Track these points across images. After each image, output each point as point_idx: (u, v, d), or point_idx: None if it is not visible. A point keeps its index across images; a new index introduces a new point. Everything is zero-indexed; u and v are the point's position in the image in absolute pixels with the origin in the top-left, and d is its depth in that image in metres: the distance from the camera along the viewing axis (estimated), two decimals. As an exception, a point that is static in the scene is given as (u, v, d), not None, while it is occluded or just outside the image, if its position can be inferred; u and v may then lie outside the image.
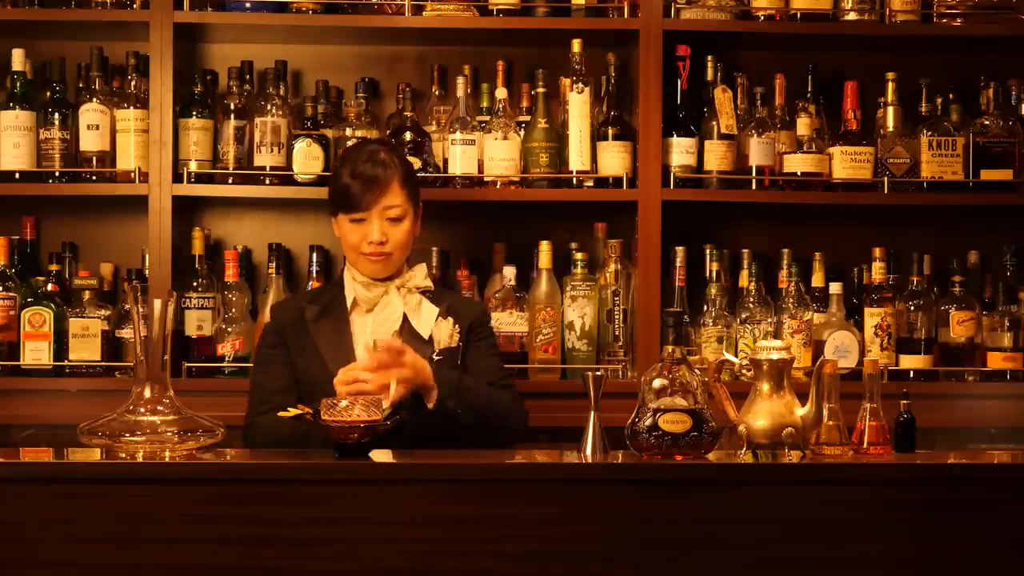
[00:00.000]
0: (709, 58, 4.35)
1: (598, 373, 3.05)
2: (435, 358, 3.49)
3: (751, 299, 4.27)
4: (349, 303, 3.58)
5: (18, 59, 4.22)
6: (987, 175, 4.32)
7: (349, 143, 4.21)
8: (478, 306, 3.84)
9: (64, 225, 4.40)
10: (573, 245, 4.35)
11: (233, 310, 4.21)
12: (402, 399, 3.27)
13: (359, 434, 2.96)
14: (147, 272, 4.23)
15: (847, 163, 4.31)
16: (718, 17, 4.29)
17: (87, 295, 4.19)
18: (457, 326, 3.57)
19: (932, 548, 2.92)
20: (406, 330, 3.54)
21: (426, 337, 3.54)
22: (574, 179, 4.25)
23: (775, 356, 3.05)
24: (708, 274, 4.32)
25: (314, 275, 4.28)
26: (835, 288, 4.31)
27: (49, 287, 4.23)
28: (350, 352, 3.49)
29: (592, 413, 3.02)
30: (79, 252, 4.37)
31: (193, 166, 4.20)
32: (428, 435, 3.31)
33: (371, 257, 3.54)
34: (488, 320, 3.73)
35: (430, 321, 3.57)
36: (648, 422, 2.97)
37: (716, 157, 4.28)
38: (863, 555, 2.90)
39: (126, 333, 4.19)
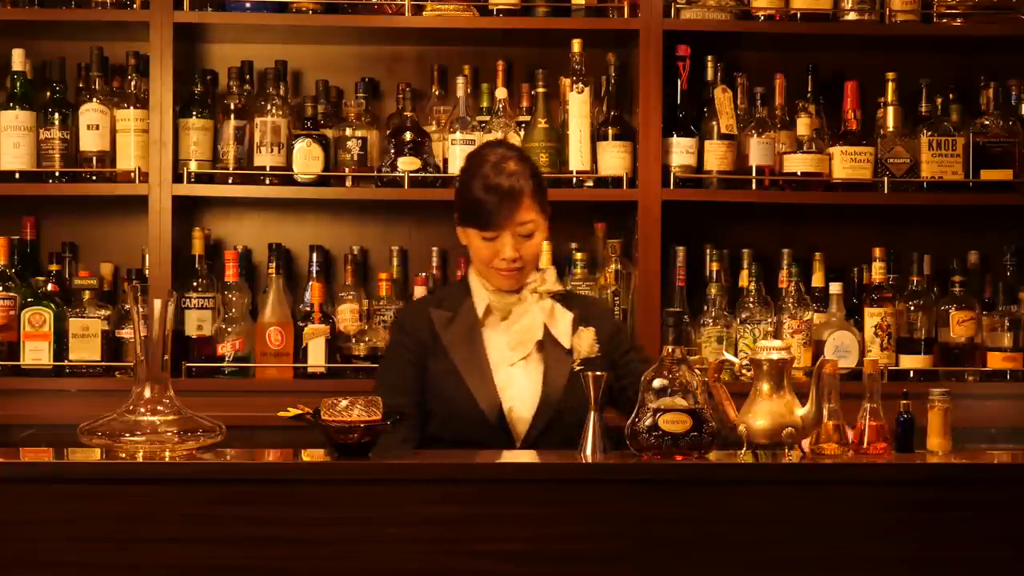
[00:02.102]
0: (709, 58, 4.35)
1: (598, 373, 3.05)
2: (576, 368, 3.38)
3: (751, 299, 4.27)
4: (480, 311, 3.44)
5: (18, 59, 4.22)
6: (987, 175, 4.32)
7: (349, 143, 4.23)
8: (610, 313, 3.74)
9: (64, 225, 4.40)
10: (573, 245, 4.35)
11: (233, 310, 4.21)
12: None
13: (359, 434, 2.96)
14: (147, 272, 4.23)
15: (847, 163, 4.31)
16: (718, 17, 4.29)
17: (87, 295, 4.19)
18: (596, 334, 3.44)
19: (932, 548, 2.92)
20: (546, 339, 3.43)
21: (567, 347, 3.43)
22: (574, 179, 4.25)
23: (775, 356, 3.04)
24: (708, 274, 4.32)
25: (314, 275, 4.28)
26: (835, 288, 4.31)
27: (49, 287, 4.23)
28: (485, 364, 3.40)
29: (592, 413, 3.02)
30: (79, 252, 4.37)
31: (193, 166, 4.20)
32: None
33: (504, 273, 3.40)
34: (626, 329, 3.64)
35: (567, 328, 3.44)
36: (648, 422, 2.96)
37: (716, 157, 4.28)
38: (863, 555, 2.90)
39: (126, 333, 4.19)
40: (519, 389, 3.39)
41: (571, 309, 3.47)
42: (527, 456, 3.26)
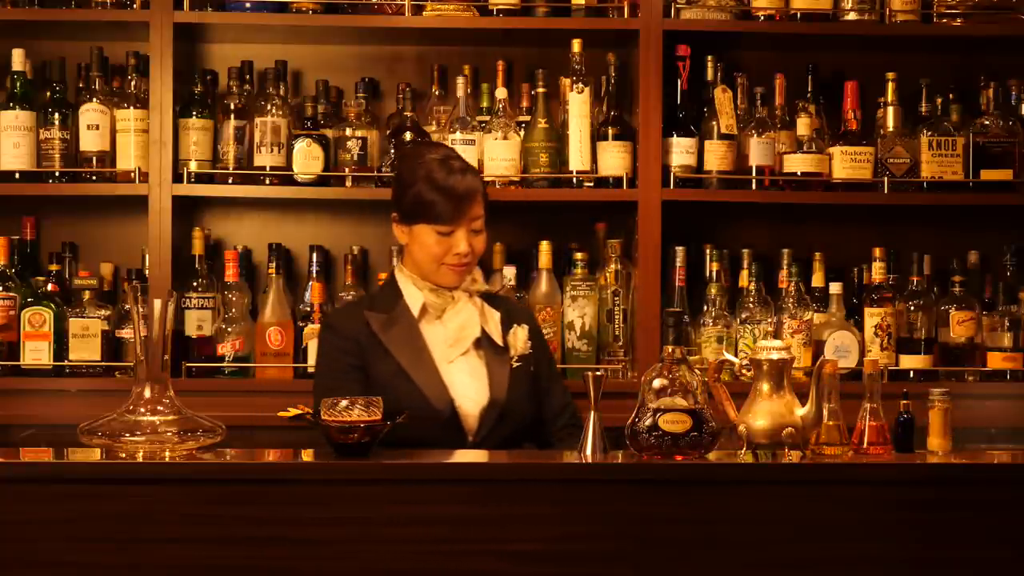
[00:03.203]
0: (709, 58, 4.35)
1: (598, 373, 3.05)
2: (514, 365, 3.50)
3: (751, 299, 4.27)
4: (416, 310, 3.50)
5: (18, 59, 4.22)
6: (987, 175, 4.32)
7: (349, 143, 4.23)
8: (528, 311, 3.85)
9: (64, 225, 4.40)
10: (573, 245, 4.35)
11: (233, 310, 4.21)
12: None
13: (359, 434, 2.96)
14: (147, 272, 4.23)
15: (847, 163, 4.31)
16: (718, 17, 4.29)
17: (87, 295, 4.19)
18: (529, 332, 3.57)
19: (932, 548, 2.92)
20: (482, 336, 3.51)
21: (500, 344, 3.52)
22: (574, 179, 4.25)
23: (775, 356, 3.04)
24: (708, 274, 4.32)
25: (314, 275, 4.28)
26: (835, 288, 4.31)
27: (49, 287, 4.23)
28: (431, 363, 3.45)
29: (592, 413, 3.02)
30: (79, 252, 4.37)
31: (193, 166, 4.20)
32: None
33: (455, 268, 3.48)
34: (540, 329, 3.73)
35: (498, 326, 3.53)
36: (648, 422, 2.97)
37: (716, 157, 4.28)
38: (863, 555, 2.90)
39: (126, 333, 4.19)
40: (463, 386, 3.46)
41: (496, 308, 3.56)
42: (527, 456, 3.26)
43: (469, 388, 3.46)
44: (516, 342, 3.53)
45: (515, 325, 3.55)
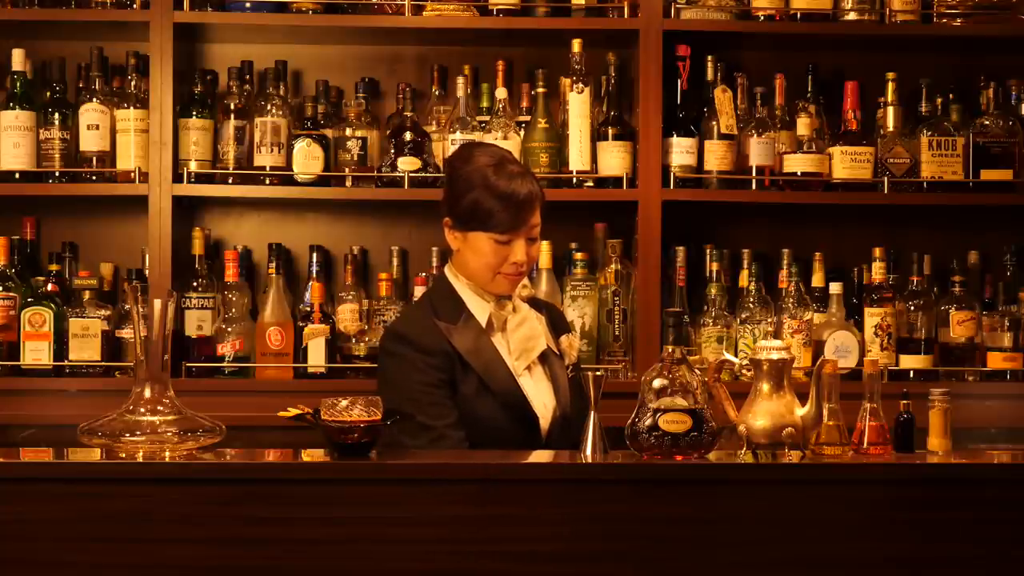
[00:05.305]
0: (709, 58, 4.36)
1: (598, 373, 3.05)
2: (570, 375, 3.40)
3: (751, 299, 4.27)
4: (484, 321, 3.33)
5: (18, 59, 4.23)
6: (987, 175, 4.32)
7: (349, 143, 4.23)
8: (564, 315, 3.74)
9: (64, 225, 4.40)
10: (573, 245, 4.35)
11: (233, 310, 4.21)
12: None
13: (359, 434, 2.96)
14: (147, 272, 4.23)
15: (847, 163, 4.31)
16: (718, 17, 4.29)
17: (87, 295, 4.19)
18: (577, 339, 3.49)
19: (932, 548, 2.92)
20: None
21: (556, 351, 3.42)
22: (574, 179, 4.25)
23: (775, 356, 3.04)
24: (708, 274, 4.32)
25: (314, 275, 4.28)
26: (835, 288, 4.31)
27: (49, 287, 4.23)
28: (512, 380, 3.31)
29: (592, 413, 3.02)
30: (79, 252, 4.37)
31: (193, 166, 4.20)
32: None
33: (511, 277, 3.31)
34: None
35: (548, 332, 3.42)
36: (648, 422, 2.96)
37: (716, 157, 4.28)
38: (863, 555, 2.90)
39: (126, 333, 4.19)
40: (536, 399, 3.36)
41: (539, 311, 3.46)
42: (527, 456, 3.26)
43: (537, 401, 3.35)
44: (571, 350, 3.43)
45: (567, 333, 3.46)
